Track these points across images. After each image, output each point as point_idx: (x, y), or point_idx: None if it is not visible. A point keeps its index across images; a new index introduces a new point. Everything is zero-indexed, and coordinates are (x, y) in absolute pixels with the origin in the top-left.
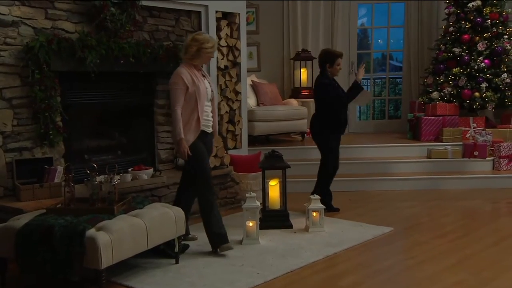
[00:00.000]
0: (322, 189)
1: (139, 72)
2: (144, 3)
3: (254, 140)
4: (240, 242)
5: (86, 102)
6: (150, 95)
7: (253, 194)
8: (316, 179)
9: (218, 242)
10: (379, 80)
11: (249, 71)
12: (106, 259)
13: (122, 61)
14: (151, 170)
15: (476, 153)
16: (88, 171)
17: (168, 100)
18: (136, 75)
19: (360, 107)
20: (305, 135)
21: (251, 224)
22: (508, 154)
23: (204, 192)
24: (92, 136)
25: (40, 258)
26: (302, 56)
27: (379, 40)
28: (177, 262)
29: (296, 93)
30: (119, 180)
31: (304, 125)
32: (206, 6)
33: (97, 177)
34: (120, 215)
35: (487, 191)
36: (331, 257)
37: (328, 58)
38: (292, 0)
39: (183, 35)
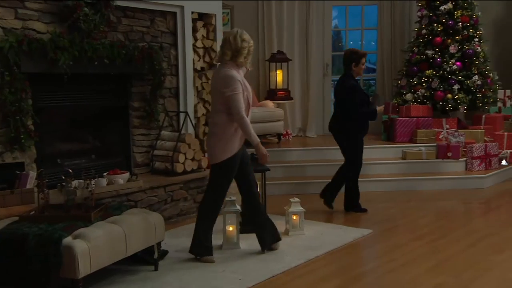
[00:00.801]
0: (352, 189)
1: (114, 74)
2: (118, 3)
3: None
4: (220, 247)
5: (58, 105)
6: (125, 97)
7: (233, 198)
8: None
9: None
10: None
11: None
12: (84, 268)
13: (96, 63)
14: (127, 174)
15: (449, 154)
16: (64, 177)
17: (144, 102)
18: (110, 77)
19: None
20: (281, 136)
21: (231, 228)
22: (480, 155)
23: (212, 208)
24: (65, 140)
25: (14, 269)
26: (278, 58)
27: (350, 42)
28: (156, 269)
29: (271, 94)
30: (94, 185)
31: (280, 126)
32: (182, 7)
33: (72, 182)
34: (97, 222)
35: (461, 192)
36: (312, 260)
37: (354, 58)
38: (267, 0)
39: (158, 36)
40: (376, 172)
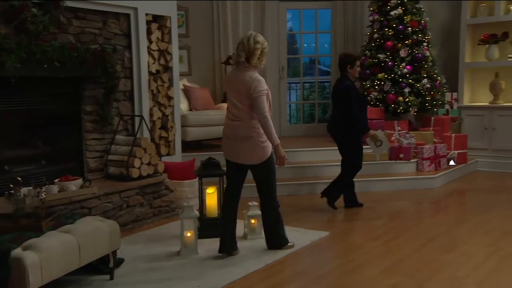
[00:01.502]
0: (348, 187)
1: (65, 77)
2: (69, 3)
3: (187, 146)
4: (178, 253)
5: (6, 109)
6: (77, 101)
7: (190, 204)
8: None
9: (282, 243)
10: (307, 84)
11: (181, 75)
12: (35, 281)
13: (45, 65)
14: (80, 181)
15: (401, 155)
16: (12, 185)
17: (97, 106)
18: (61, 80)
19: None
20: None
21: (189, 234)
22: (430, 156)
23: (275, 204)
24: (13, 146)
25: None
26: None
27: (304, 45)
28: (112, 278)
29: None
30: (44, 193)
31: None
32: (136, 9)
33: (20, 190)
34: (49, 232)
35: (412, 192)
36: (271, 265)
37: (349, 60)
38: (222, 0)
39: (111, 38)
40: (331, 174)
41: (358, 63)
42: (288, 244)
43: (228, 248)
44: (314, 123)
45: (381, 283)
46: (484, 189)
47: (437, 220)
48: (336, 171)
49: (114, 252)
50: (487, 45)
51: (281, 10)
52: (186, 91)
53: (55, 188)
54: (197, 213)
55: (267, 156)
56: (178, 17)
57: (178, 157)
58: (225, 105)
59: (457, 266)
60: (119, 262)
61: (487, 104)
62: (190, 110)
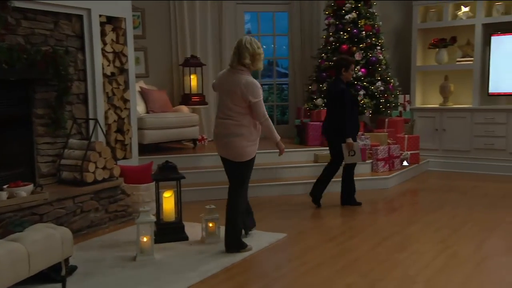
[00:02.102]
0: (351, 185)
1: (14, 80)
2: (17, 4)
3: (144, 149)
4: (134, 258)
5: None
6: (27, 104)
7: (147, 208)
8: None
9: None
10: (266, 86)
11: (137, 77)
12: None
13: None
14: (30, 186)
15: None
16: None
17: (48, 109)
18: (10, 82)
19: None
20: (197, 142)
21: (145, 239)
22: (384, 156)
23: (241, 196)
24: None
25: None
26: (192, 63)
27: (264, 46)
28: (64, 287)
29: (186, 99)
30: None
31: (195, 132)
32: (89, 10)
33: None
34: None
35: (368, 192)
36: (229, 268)
37: (344, 64)
38: (179, 0)
39: (63, 40)
40: (289, 176)
41: (352, 66)
42: (244, 248)
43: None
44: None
45: (336, 283)
46: (435, 188)
47: (391, 219)
48: (294, 172)
49: (67, 260)
50: (437, 49)
51: (238, 12)
52: (143, 94)
53: (3, 195)
54: (153, 217)
55: (250, 157)
56: (134, 18)
57: (135, 160)
58: (183, 107)
59: (409, 265)
60: (72, 269)
61: (437, 106)
62: (148, 112)
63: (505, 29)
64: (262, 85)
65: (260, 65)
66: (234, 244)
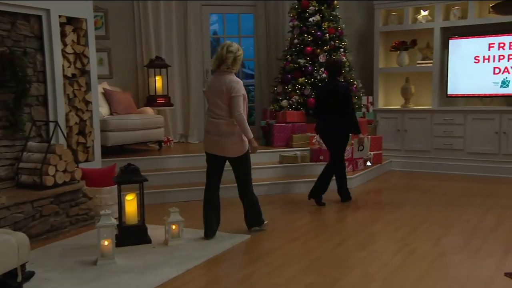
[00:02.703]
0: (344, 181)
1: None
2: None
3: (107, 151)
4: (95, 262)
5: None
6: None
7: (108, 212)
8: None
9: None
10: None
11: (101, 78)
12: None
13: None
14: None
15: (321, 157)
16: None
17: (6, 111)
18: None
19: None
20: (162, 143)
21: (106, 243)
22: (348, 157)
23: (252, 189)
24: None
25: None
26: (156, 64)
27: None
28: None
29: (151, 101)
30: None
31: (161, 133)
32: (48, 10)
33: None
34: None
35: (332, 193)
36: (191, 270)
37: (339, 66)
38: (143, 0)
39: (21, 40)
40: (255, 177)
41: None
42: (265, 222)
43: (212, 233)
44: None
45: (297, 283)
46: (397, 188)
47: (354, 219)
48: (260, 173)
49: (23, 266)
50: (398, 52)
51: (204, 13)
52: (107, 95)
53: None
54: (114, 221)
55: (246, 149)
56: (97, 18)
57: (97, 163)
58: (148, 109)
59: (368, 263)
60: (29, 275)
61: (399, 107)
62: (111, 114)
63: (462, 32)
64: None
65: (232, 68)
66: (256, 218)
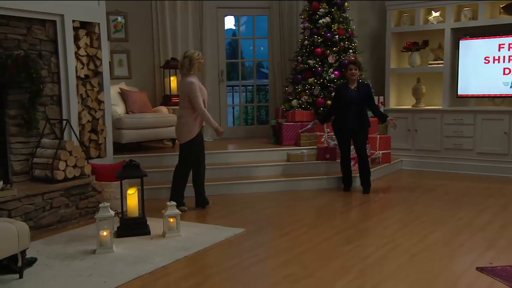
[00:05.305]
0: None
1: None
2: None
3: (123, 148)
4: (94, 252)
5: None
6: (0, 105)
7: (106, 204)
8: None
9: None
10: (250, 87)
11: (120, 78)
12: None
13: None
14: (0, 183)
15: (327, 156)
16: None
17: (22, 110)
18: None
19: (234, 113)
20: (176, 141)
21: (105, 233)
22: (354, 156)
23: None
24: None
25: None
26: (172, 65)
27: (250, 48)
28: (21, 277)
29: (166, 100)
30: None
31: (173, 131)
32: (62, 15)
33: None
34: None
35: (336, 191)
36: (180, 260)
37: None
38: (159, 0)
39: (37, 44)
40: (262, 174)
41: (351, 66)
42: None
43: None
44: (254, 125)
45: (277, 274)
46: (402, 186)
47: (349, 215)
48: (266, 171)
49: (23, 252)
50: (410, 52)
51: (219, 15)
52: (123, 95)
53: None
54: (112, 212)
55: (186, 140)
56: (117, 22)
57: (109, 159)
58: (163, 108)
59: (349, 257)
60: (31, 261)
61: (410, 107)
62: (127, 113)
63: (472, 33)
64: (247, 86)
65: (189, 70)
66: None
